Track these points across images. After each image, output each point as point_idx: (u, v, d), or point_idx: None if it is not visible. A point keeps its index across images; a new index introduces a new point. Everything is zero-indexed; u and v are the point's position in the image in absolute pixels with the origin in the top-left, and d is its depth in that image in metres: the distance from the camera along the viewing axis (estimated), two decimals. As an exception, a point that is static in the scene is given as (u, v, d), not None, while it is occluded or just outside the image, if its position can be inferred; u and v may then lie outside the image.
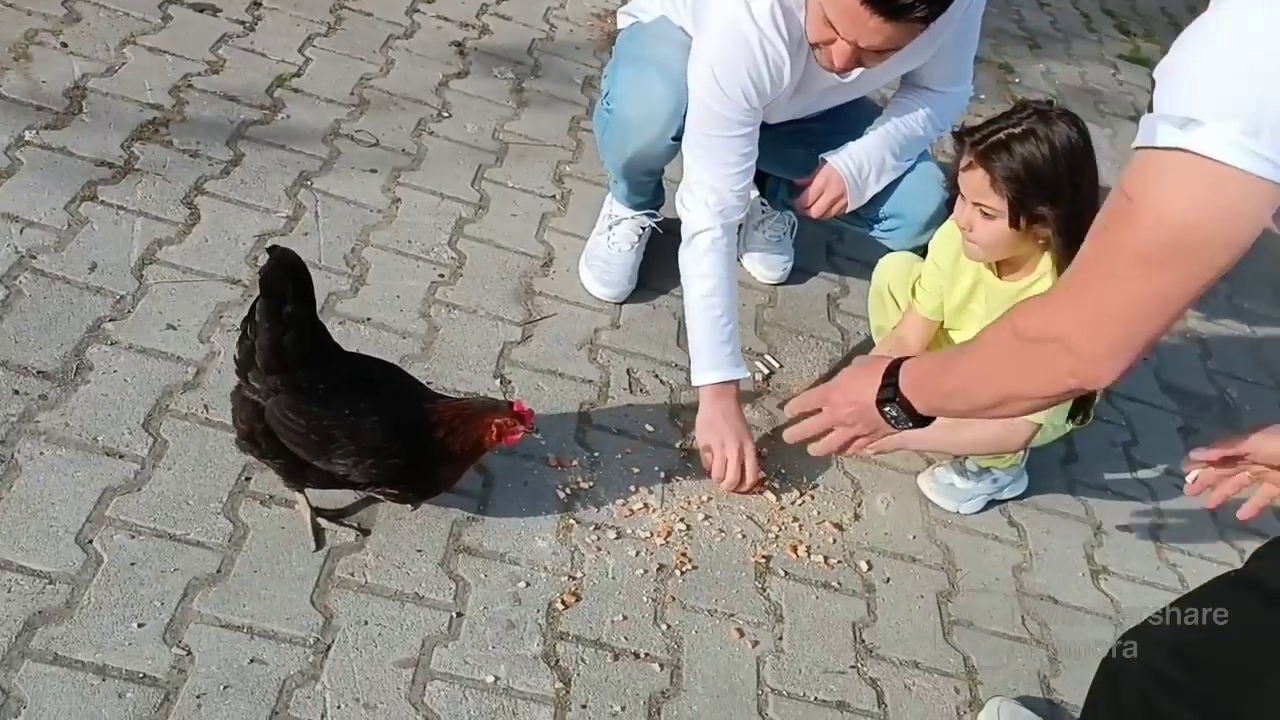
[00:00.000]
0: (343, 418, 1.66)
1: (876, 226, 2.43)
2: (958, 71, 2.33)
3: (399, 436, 1.69)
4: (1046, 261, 2.00)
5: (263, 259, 2.21)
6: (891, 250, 2.43)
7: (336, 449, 1.66)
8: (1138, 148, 1.09)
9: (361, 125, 2.71)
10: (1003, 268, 2.08)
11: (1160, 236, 1.07)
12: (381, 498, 1.85)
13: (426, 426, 1.71)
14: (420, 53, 3.06)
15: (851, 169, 2.29)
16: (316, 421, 1.65)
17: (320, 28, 3.01)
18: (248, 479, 1.84)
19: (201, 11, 2.89)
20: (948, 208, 2.13)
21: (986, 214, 1.95)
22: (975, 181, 1.94)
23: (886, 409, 1.56)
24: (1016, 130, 1.89)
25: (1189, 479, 1.60)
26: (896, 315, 2.34)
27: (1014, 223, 1.93)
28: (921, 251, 2.31)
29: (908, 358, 1.56)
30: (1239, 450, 1.53)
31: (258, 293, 1.61)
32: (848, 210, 2.34)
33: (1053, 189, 1.89)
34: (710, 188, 2.12)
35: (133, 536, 1.70)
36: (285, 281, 1.59)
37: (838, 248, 2.90)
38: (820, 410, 1.71)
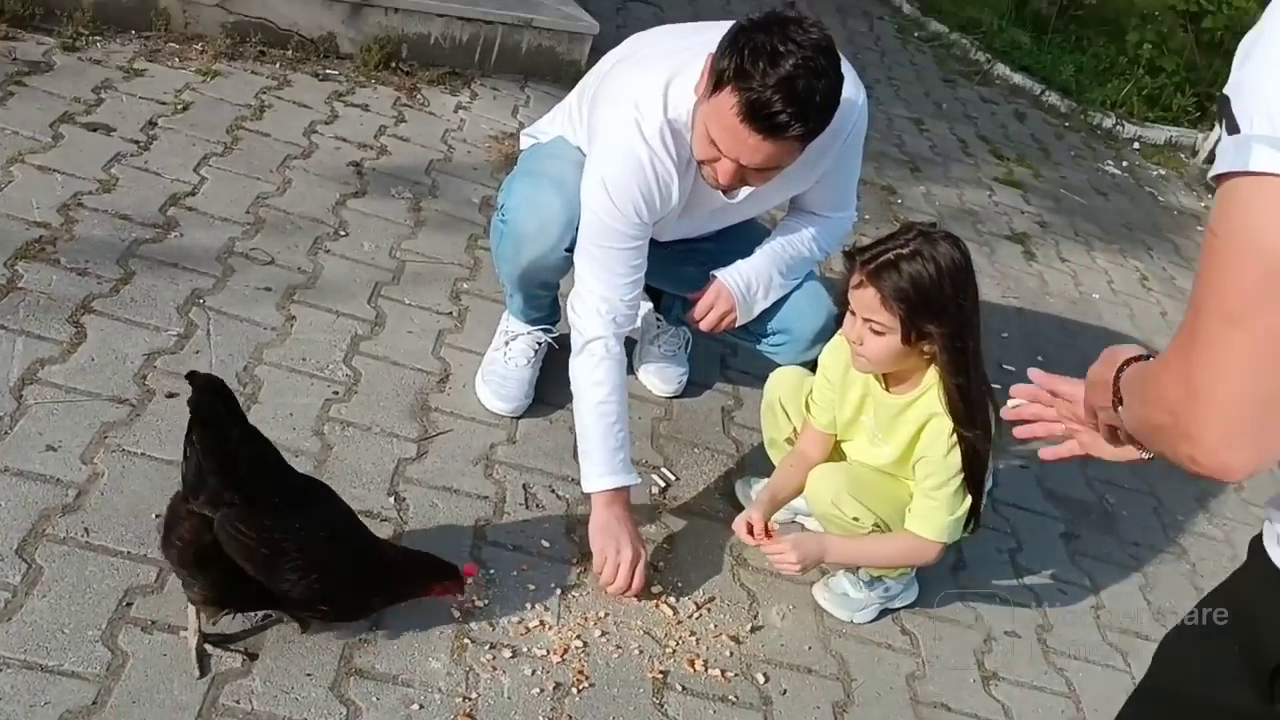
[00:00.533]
0: (293, 531, 1.66)
1: (764, 341, 2.50)
2: (841, 198, 2.43)
3: (349, 554, 1.72)
4: (932, 375, 2.08)
5: (151, 378, 2.21)
6: (780, 365, 2.50)
7: (286, 563, 1.65)
8: (1218, 176, 0.93)
9: (257, 244, 2.71)
10: (889, 380, 2.16)
11: (1262, 270, 0.90)
12: (295, 619, 1.82)
13: (379, 555, 1.76)
14: (318, 172, 3.10)
15: (740, 285, 2.36)
16: (268, 535, 1.63)
17: (217, 147, 3.03)
18: (129, 604, 1.78)
19: (95, 131, 2.89)
20: (836, 323, 2.21)
21: (876, 330, 2.03)
22: (866, 299, 2.02)
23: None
24: (904, 250, 1.99)
25: (1009, 405, 1.48)
26: (788, 428, 2.39)
27: (905, 339, 2.01)
28: (811, 366, 2.38)
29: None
30: (1059, 390, 1.41)
31: (192, 418, 1.60)
32: (737, 325, 2.41)
33: (939, 306, 1.98)
34: (602, 297, 2.17)
35: (0, 670, 1.62)
36: (216, 405, 1.60)
37: (731, 361, 2.97)
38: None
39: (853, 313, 2.07)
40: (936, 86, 5.86)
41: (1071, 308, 4.01)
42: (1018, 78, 6.22)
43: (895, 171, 4.58)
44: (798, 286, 2.45)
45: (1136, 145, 6.03)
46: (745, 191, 2.23)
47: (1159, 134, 6.17)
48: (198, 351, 2.33)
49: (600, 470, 2.17)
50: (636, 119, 2.09)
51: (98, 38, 3.29)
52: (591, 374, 2.18)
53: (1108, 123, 6.06)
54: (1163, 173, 5.82)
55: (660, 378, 2.77)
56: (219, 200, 2.82)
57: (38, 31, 3.19)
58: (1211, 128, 6.13)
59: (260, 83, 3.41)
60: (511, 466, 2.38)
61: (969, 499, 2.10)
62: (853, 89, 2.21)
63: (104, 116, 2.96)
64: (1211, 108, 6.33)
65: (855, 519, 2.14)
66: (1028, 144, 5.53)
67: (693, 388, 2.82)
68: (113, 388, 2.16)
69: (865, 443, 2.23)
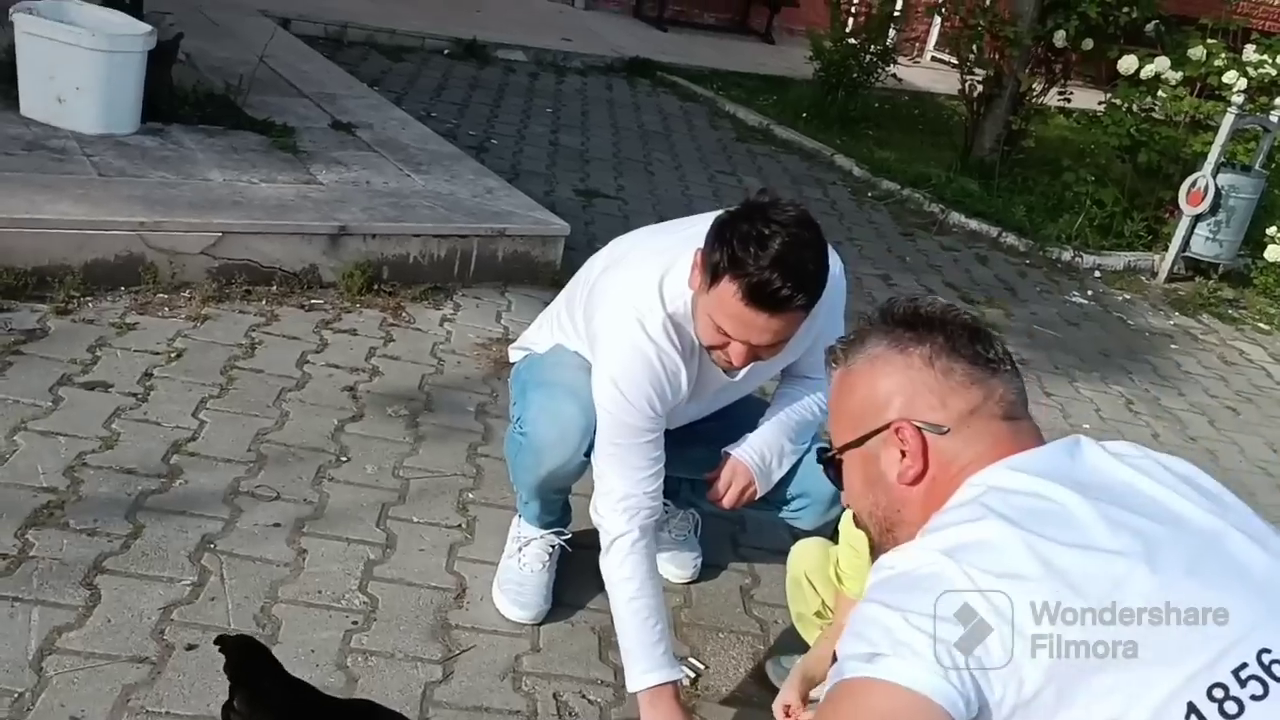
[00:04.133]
0: None
1: (785, 508, 2.52)
2: (832, 359, 2.50)
3: None
4: None
5: (169, 632, 2.19)
6: (801, 529, 2.51)
7: None
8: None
9: (261, 481, 2.74)
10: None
11: None
12: None
13: None
14: (314, 402, 3.15)
15: (755, 458, 2.40)
16: None
17: (213, 390, 3.08)
18: None
19: (93, 389, 2.94)
20: None
21: None
22: None
23: None
24: None
25: None
26: (816, 602, 2.37)
27: None
28: (831, 535, 2.39)
29: None
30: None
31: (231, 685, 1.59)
32: (757, 497, 2.43)
33: None
34: (624, 494, 2.19)
35: None
36: (248, 666, 1.60)
37: (742, 538, 2.97)
38: None
39: None
40: (897, 241, 6.06)
41: (1066, 440, 4.04)
42: (973, 223, 6.44)
43: (872, 328, 4.68)
44: (807, 450, 2.49)
45: (1098, 274, 6.21)
46: (746, 369, 2.30)
47: (1117, 260, 6.36)
48: (213, 598, 2.32)
49: (642, 667, 2.14)
50: (638, 318, 2.17)
51: (89, 299, 3.39)
52: (619, 570, 2.19)
53: (1066, 255, 6.25)
54: (1128, 296, 5.98)
55: (675, 564, 2.77)
56: (220, 442, 2.85)
57: (31, 300, 3.29)
58: (1165, 248, 6.33)
59: (249, 321, 3.51)
60: (540, 676, 2.34)
61: None
62: (829, 256, 2.32)
63: (101, 374, 3.02)
64: (1161, 229, 6.56)
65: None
66: (994, 285, 5.69)
67: (708, 570, 2.81)
68: (131, 647, 2.14)
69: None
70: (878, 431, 1.41)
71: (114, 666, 2.09)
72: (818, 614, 2.38)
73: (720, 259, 1.99)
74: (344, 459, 2.92)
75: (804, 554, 2.40)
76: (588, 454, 2.28)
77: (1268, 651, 1.13)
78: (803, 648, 2.45)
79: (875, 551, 1.49)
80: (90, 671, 2.07)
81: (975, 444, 1.35)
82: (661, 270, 2.20)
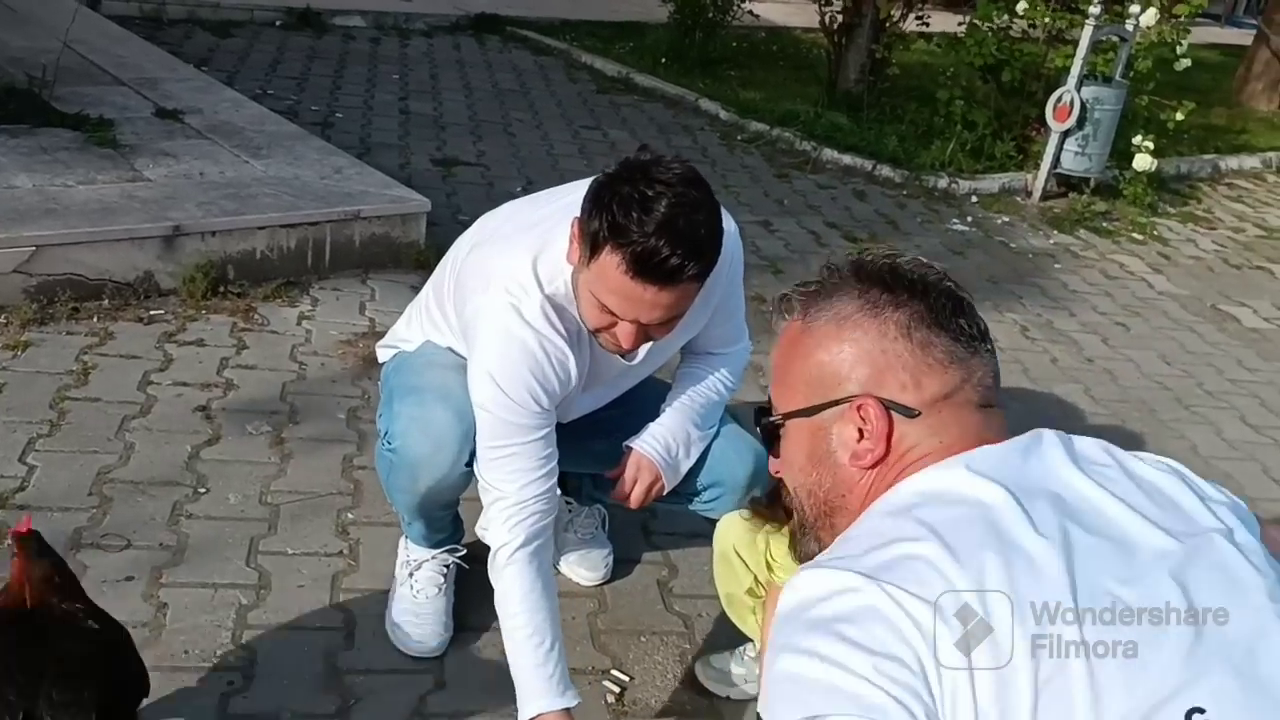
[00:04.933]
0: None
1: (696, 500, 2.30)
2: (735, 330, 2.29)
3: None
4: None
5: None
6: (716, 519, 2.30)
7: None
8: None
9: (107, 528, 2.41)
10: None
11: None
12: None
13: None
14: (162, 428, 2.80)
15: (660, 450, 2.18)
16: None
17: (42, 427, 2.72)
18: None
19: (-104, 443, 2.56)
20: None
21: None
22: None
23: None
24: None
25: None
26: (748, 579, 2.17)
27: None
28: (751, 504, 2.19)
29: None
30: None
31: None
32: (665, 492, 2.22)
33: None
34: (514, 502, 1.95)
35: None
36: None
37: (653, 525, 2.76)
38: None
39: None
40: (772, 184, 5.89)
41: (967, 376, 3.94)
42: (847, 158, 6.31)
43: (759, 279, 4.50)
44: (716, 434, 2.27)
45: (974, 198, 6.15)
46: (644, 349, 2.07)
47: (992, 183, 6.31)
48: (59, 678, 2.00)
49: (527, 694, 1.90)
50: (512, 303, 1.91)
51: (-117, 336, 2.97)
52: (499, 584, 1.95)
53: (942, 183, 6.17)
54: (1006, 219, 5.93)
55: (585, 565, 2.54)
56: (55, 487, 2.51)
57: None
58: (1036, 167, 6.31)
59: (79, 342, 3.12)
60: (448, 717, 2.10)
61: None
62: (724, 217, 2.09)
63: (-96, 424, 2.63)
64: (1030, 149, 6.54)
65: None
66: (875, 220, 5.57)
67: (621, 566, 2.59)
68: (-38, 753, 1.82)
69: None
70: (835, 403, 1.19)
71: (-59, 782, 1.77)
72: (750, 592, 2.18)
73: (599, 228, 1.75)
74: (202, 490, 2.60)
75: (730, 528, 2.20)
76: (469, 463, 2.02)
77: (1200, 712, 0.95)
78: (733, 641, 2.27)
79: (803, 531, 1.29)
80: (-89, 793, 1.74)
81: (942, 433, 1.15)
82: (536, 248, 1.94)
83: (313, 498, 2.65)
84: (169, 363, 3.11)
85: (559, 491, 2.50)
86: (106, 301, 3.34)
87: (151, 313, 3.36)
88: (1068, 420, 3.68)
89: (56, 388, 2.90)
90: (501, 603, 1.96)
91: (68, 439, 2.70)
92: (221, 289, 3.52)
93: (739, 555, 2.18)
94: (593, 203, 1.78)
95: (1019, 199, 6.29)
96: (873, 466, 1.18)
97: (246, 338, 3.33)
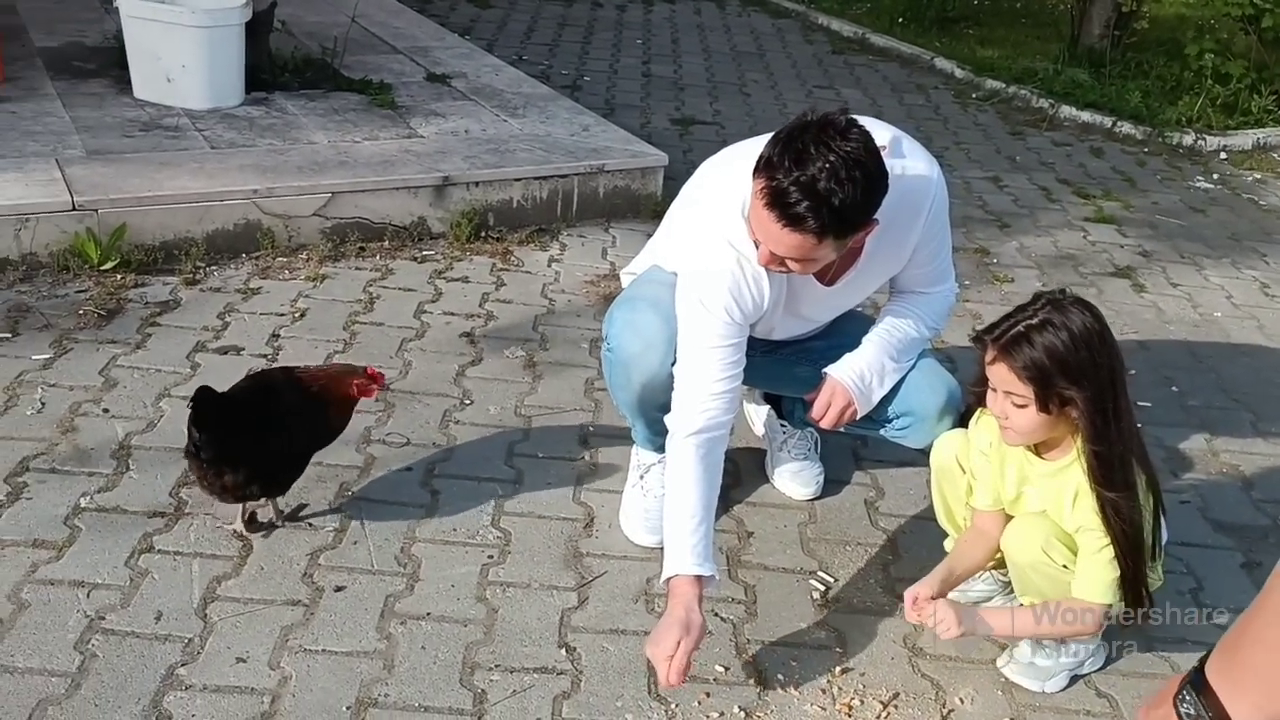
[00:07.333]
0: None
1: (889, 427, 2.50)
2: (939, 273, 2.46)
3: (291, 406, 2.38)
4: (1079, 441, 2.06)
5: (318, 576, 2.31)
6: (911, 448, 2.49)
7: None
8: None
9: (391, 429, 2.84)
10: (1041, 448, 2.15)
11: None
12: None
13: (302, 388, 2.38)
14: (434, 349, 3.24)
15: (854, 376, 2.39)
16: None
17: (338, 345, 3.20)
18: (338, 799, 1.83)
19: (225, 354, 3.09)
20: (979, 401, 2.21)
21: (1017, 403, 2.04)
22: (1002, 374, 2.05)
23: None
24: (1034, 321, 2.01)
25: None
26: (964, 482, 2.32)
27: (1043, 408, 2.01)
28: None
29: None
30: None
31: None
32: (858, 417, 2.42)
33: (1075, 373, 2.00)
34: (696, 395, 2.19)
35: None
36: (204, 415, 2.24)
37: (863, 452, 2.97)
38: None
39: (993, 389, 2.08)
40: (1005, 141, 5.87)
41: (1195, 331, 3.91)
42: (1085, 115, 6.19)
43: (984, 232, 4.58)
44: (913, 367, 2.46)
45: (1223, 155, 5.91)
46: (845, 279, 2.29)
47: (1245, 139, 6.04)
48: (355, 542, 2.43)
49: (670, 558, 2.11)
50: (719, 226, 2.19)
51: (214, 268, 3.54)
52: (671, 461, 2.20)
53: (1187, 140, 5.97)
54: (1258, 176, 5.69)
55: (797, 481, 2.79)
56: (349, 395, 2.96)
57: (161, 274, 3.46)
58: (1298, 121, 5.99)
59: (365, 276, 3.61)
60: (671, 597, 2.40)
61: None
62: (925, 165, 2.27)
63: (232, 338, 3.17)
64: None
65: (1064, 566, 2.11)
66: (1111, 178, 5.47)
67: (831, 486, 2.82)
68: (285, 591, 2.27)
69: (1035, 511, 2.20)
70: None
71: (271, 610, 2.22)
72: (967, 494, 2.33)
73: (765, 156, 2.00)
74: (468, 402, 3.01)
75: (947, 442, 2.36)
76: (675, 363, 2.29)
77: None
78: (931, 560, 2.45)
79: None
80: (250, 616, 2.20)
81: None
82: (743, 181, 2.19)
83: (559, 412, 3.01)
84: (439, 295, 3.56)
85: (775, 414, 2.78)
86: (387, 242, 3.83)
87: (424, 252, 3.83)
88: (1300, 376, 3.61)
89: (349, 313, 3.39)
90: (669, 478, 2.22)
91: (359, 355, 3.16)
92: (483, 233, 3.96)
93: (959, 464, 2.33)
94: (774, 135, 2.02)
95: (1276, 155, 6.00)
96: None
97: (504, 276, 3.74)
